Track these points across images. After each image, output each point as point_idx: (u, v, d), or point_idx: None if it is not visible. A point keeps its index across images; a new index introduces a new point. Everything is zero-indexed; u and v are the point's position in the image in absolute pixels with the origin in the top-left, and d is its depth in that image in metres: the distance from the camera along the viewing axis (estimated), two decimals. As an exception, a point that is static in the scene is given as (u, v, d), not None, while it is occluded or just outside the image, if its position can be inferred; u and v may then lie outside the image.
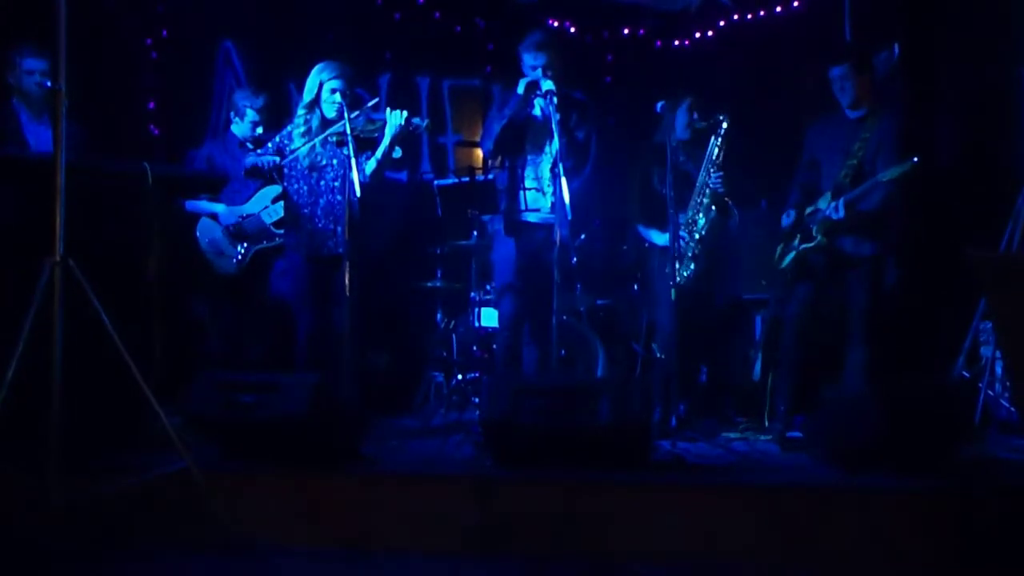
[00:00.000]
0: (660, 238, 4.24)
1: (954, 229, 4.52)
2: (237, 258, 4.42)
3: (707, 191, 4.13)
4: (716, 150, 4.10)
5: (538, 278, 4.00)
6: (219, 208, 4.44)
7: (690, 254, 4.15)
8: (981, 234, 4.13)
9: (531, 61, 3.96)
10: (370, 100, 4.09)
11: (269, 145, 4.01)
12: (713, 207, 4.14)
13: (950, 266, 4.25)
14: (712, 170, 4.11)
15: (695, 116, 4.20)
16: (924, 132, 4.78)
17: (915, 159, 3.61)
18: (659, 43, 6.32)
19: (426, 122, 4.04)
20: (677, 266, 3.97)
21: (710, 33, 6.16)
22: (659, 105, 4.02)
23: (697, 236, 4.16)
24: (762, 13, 5.92)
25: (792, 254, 4.04)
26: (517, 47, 4.04)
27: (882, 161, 3.84)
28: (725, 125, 4.07)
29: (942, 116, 4.89)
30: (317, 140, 3.89)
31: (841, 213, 3.80)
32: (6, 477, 2.92)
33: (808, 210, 4.03)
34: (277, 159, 3.91)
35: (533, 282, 4.04)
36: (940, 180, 4.46)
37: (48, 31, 2.53)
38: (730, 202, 4.16)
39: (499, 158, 4.16)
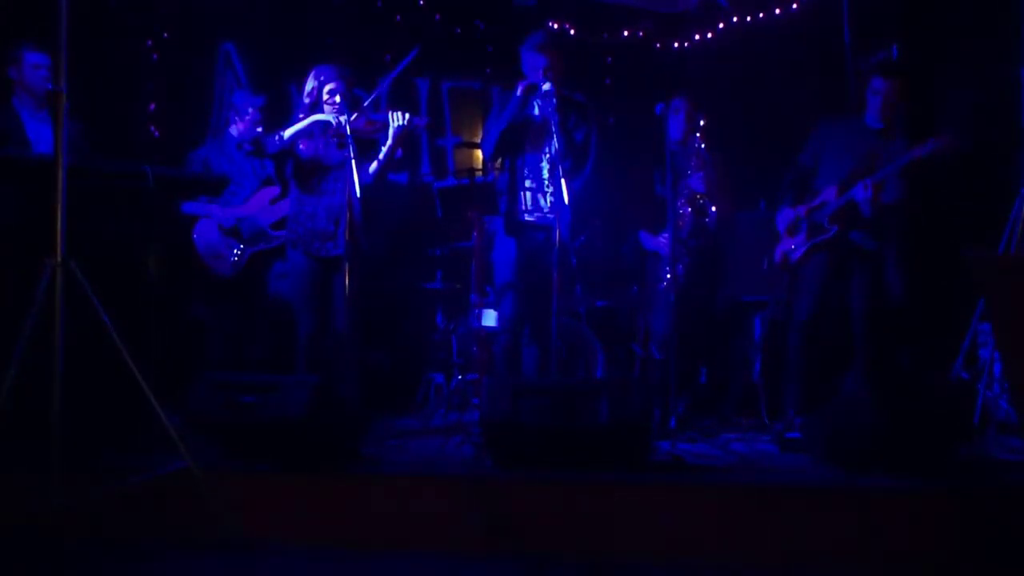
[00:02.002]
0: (654, 243, 4.28)
1: (954, 229, 4.52)
2: (233, 260, 4.41)
3: (687, 191, 4.18)
4: (698, 149, 4.15)
5: (538, 279, 4.00)
6: (215, 210, 4.44)
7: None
8: (981, 234, 4.13)
9: (532, 62, 3.96)
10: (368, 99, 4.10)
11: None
12: (689, 207, 4.18)
13: (950, 266, 4.25)
14: (692, 170, 4.15)
15: (682, 116, 4.26)
16: (924, 132, 4.78)
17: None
18: (658, 45, 6.35)
19: (427, 121, 4.05)
20: (667, 267, 3.99)
21: (709, 35, 6.17)
22: (658, 107, 4.04)
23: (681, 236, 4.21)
24: (761, 15, 5.93)
25: (802, 250, 4.04)
26: (518, 48, 4.05)
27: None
28: (702, 123, 4.15)
29: (942, 116, 4.89)
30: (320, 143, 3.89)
31: (869, 192, 3.82)
32: (6, 477, 2.93)
33: (808, 207, 4.04)
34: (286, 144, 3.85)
35: (533, 283, 4.04)
36: (940, 180, 4.46)
37: (49, 31, 2.54)
38: (704, 201, 4.19)
39: (498, 159, 4.17)
